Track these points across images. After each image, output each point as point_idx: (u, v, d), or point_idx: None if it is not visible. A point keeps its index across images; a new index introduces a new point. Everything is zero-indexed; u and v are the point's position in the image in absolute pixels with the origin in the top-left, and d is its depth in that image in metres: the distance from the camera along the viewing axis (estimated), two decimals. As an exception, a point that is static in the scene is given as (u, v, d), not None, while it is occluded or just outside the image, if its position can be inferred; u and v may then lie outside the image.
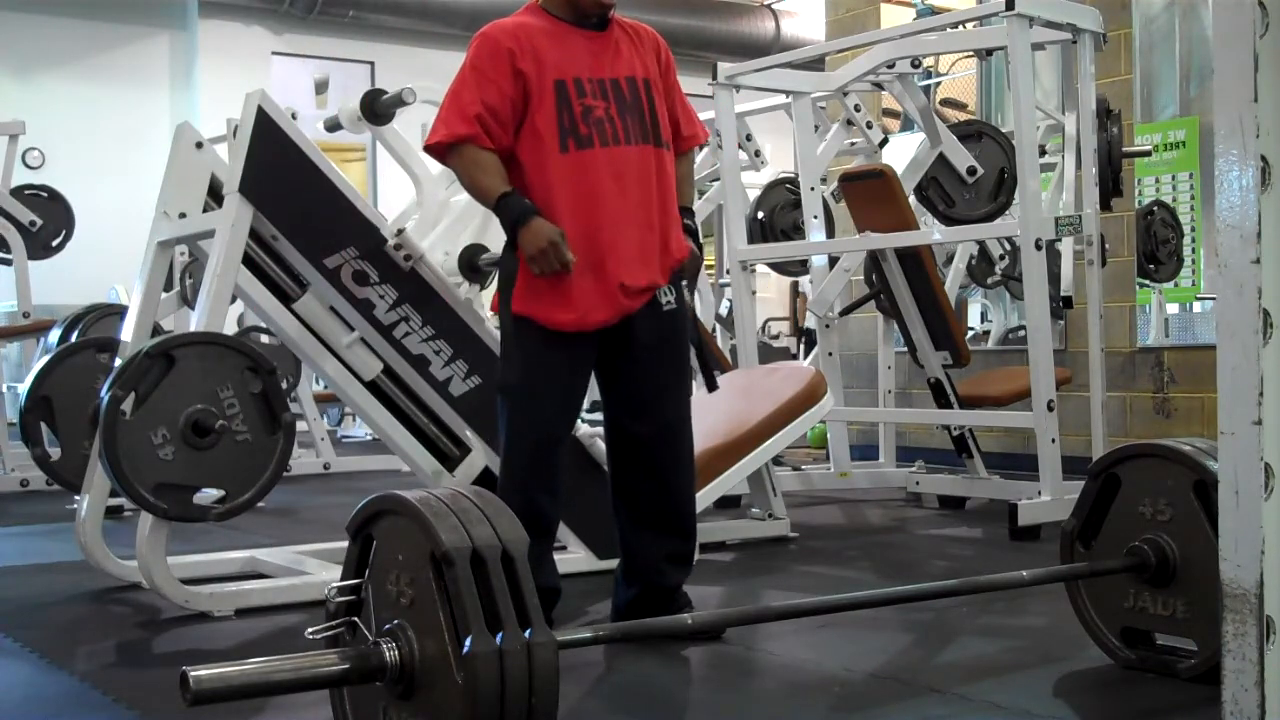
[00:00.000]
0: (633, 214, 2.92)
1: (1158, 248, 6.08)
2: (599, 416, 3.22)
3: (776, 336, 10.07)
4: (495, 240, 4.00)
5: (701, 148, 4.12)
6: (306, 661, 1.85)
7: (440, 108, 2.93)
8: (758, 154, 6.43)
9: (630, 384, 3.05)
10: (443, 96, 2.96)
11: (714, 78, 5.51)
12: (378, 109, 4.03)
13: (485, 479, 3.81)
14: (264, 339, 6.64)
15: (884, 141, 6.00)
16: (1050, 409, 4.53)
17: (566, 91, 2.85)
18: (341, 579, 2.00)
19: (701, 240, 3.19)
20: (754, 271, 5.78)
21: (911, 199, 5.40)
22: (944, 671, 2.85)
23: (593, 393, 3.18)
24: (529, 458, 2.99)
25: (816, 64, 6.41)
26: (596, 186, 2.88)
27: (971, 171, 5.47)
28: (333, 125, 4.21)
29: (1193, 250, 6.28)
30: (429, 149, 2.96)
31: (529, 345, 2.93)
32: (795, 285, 9.67)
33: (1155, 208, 6.20)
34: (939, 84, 8.15)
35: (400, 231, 3.70)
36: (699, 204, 5.92)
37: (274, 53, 11.05)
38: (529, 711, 1.76)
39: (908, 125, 7.49)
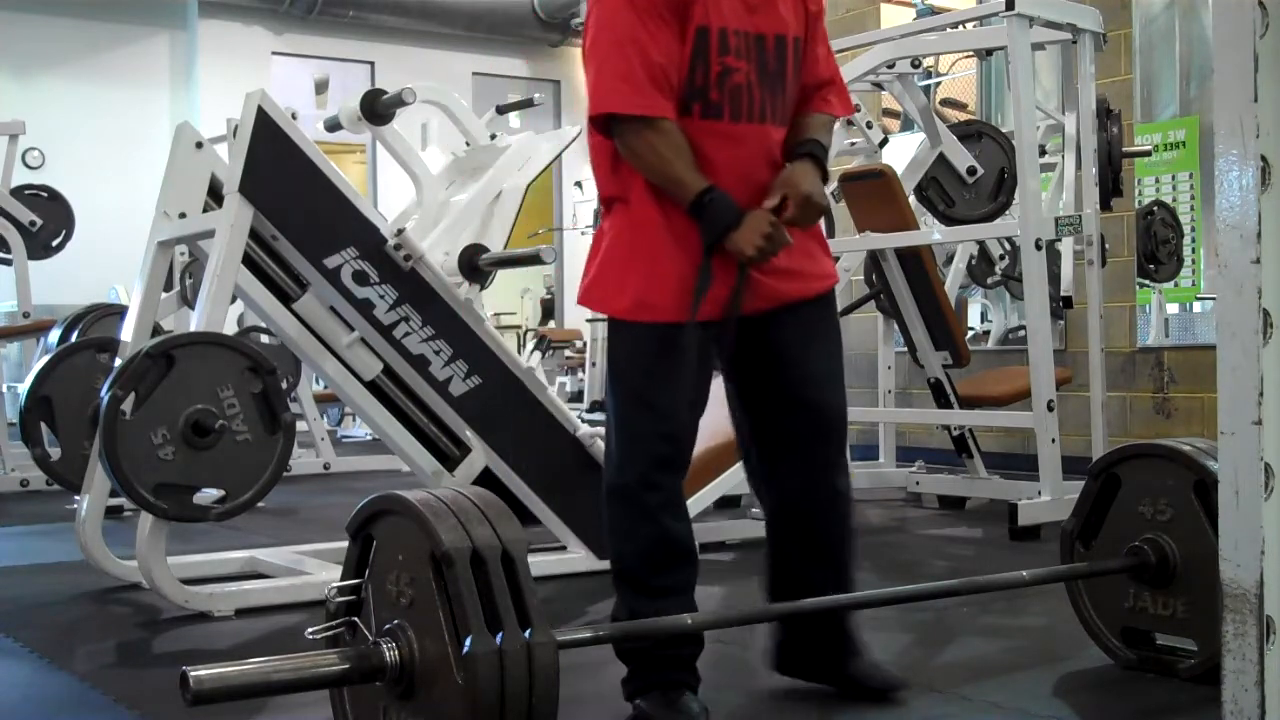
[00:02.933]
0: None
1: (1158, 248, 6.08)
2: (598, 416, 3.20)
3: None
4: (495, 240, 4.00)
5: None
6: (306, 661, 1.85)
7: (596, 56, 2.30)
8: (758, 154, 6.41)
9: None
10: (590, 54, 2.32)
11: (714, 78, 5.50)
12: (378, 109, 4.02)
13: (485, 479, 3.81)
14: (264, 339, 6.64)
15: (884, 141, 6.00)
16: (1050, 409, 4.53)
17: (708, 44, 2.28)
18: (341, 579, 2.00)
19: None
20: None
21: (911, 199, 5.40)
22: (944, 671, 2.85)
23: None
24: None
25: (816, 64, 6.39)
26: (709, 166, 2.32)
27: (971, 171, 5.46)
28: (333, 125, 4.21)
29: (1193, 250, 6.28)
30: (595, 120, 2.33)
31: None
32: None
33: (1155, 208, 6.19)
34: (939, 84, 8.14)
35: (400, 231, 3.70)
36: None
37: (274, 53, 11.06)
38: (529, 711, 1.76)
39: (908, 125, 7.48)
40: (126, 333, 3.90)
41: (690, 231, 2.32)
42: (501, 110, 4.72)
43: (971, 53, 5.97)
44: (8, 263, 6.72)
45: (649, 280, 2.35)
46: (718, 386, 2.67)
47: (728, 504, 4.82)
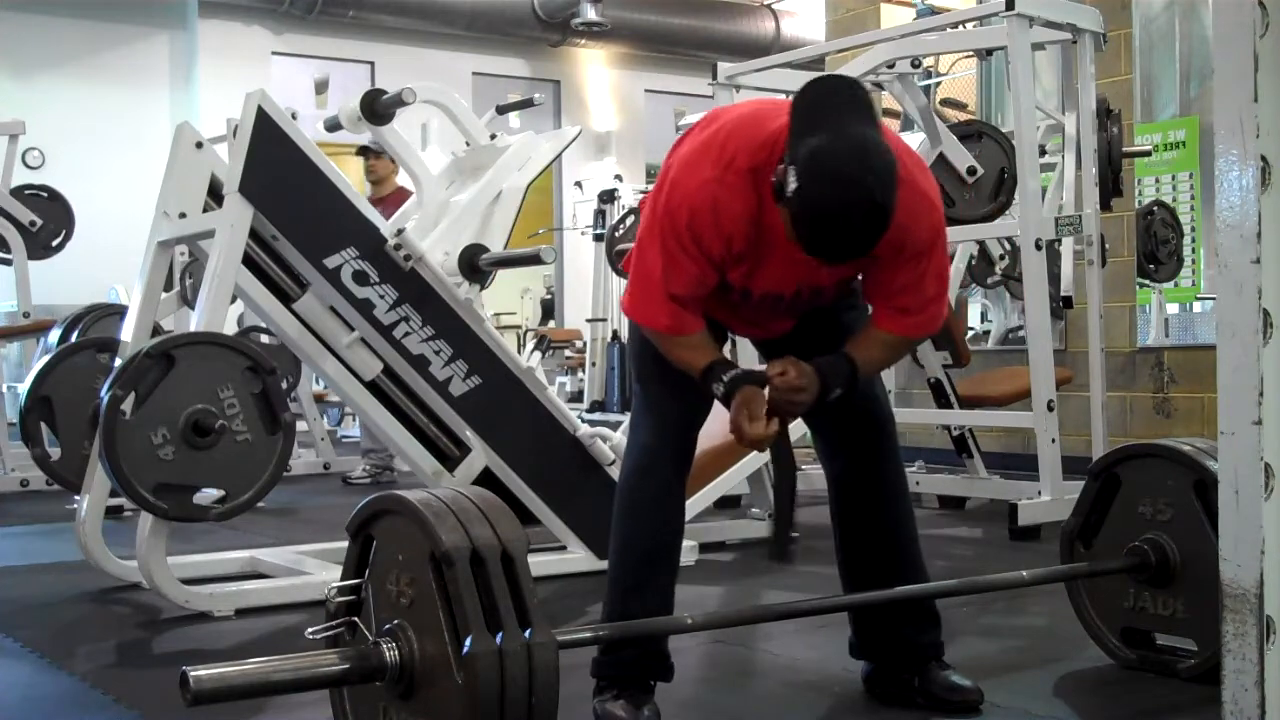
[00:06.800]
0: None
1: (1158, 248, 6.08)
2: (598, 417, 3.20)
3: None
4: (495, 240, 4.00)
5: None
6: (306, 661, 1.85)
7: (633, 270, 2.34)
8: (758, 154, 6.40)
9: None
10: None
11: (714, 78, 5.51)
12: (378, 109, 4.02)
13: (485, 479, 3.81)
14: (264, 339, 6.64)
15: (884, 141, 5.98)
16: (1050, 409, 4.53)
17: (730, 293, 2.35)
18: (341, 579, 2.00)
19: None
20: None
21: (911, 199, 5.39)
22: (944, 671, 2.85)
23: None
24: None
25: (816, 64, 6.40)
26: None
27: (971, 171, 5.46)
28: (333, 125, 4.21)
29: (1193, 250, 6.28)
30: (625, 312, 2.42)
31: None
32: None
33: (1155, 208, 6.19)
34: (939, 84, 8.14)
35: (400, 231, 3.70)
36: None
37: (274, 53, 11.06)
38: (529, 711, 1.76)
39: (908, 125, 7.47)
40: (126, 333, 3.89)
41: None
42: (501, 110, 4.72)
43: (971, 53, 5.97)
44: (8, 263, 6.72)
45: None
46: None
47: (728, 504, 4.82)
